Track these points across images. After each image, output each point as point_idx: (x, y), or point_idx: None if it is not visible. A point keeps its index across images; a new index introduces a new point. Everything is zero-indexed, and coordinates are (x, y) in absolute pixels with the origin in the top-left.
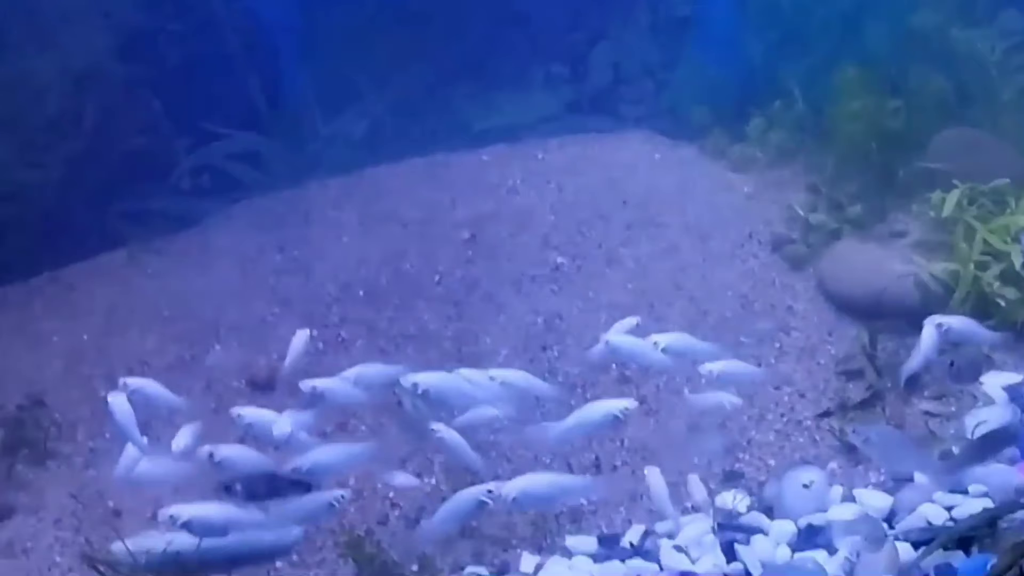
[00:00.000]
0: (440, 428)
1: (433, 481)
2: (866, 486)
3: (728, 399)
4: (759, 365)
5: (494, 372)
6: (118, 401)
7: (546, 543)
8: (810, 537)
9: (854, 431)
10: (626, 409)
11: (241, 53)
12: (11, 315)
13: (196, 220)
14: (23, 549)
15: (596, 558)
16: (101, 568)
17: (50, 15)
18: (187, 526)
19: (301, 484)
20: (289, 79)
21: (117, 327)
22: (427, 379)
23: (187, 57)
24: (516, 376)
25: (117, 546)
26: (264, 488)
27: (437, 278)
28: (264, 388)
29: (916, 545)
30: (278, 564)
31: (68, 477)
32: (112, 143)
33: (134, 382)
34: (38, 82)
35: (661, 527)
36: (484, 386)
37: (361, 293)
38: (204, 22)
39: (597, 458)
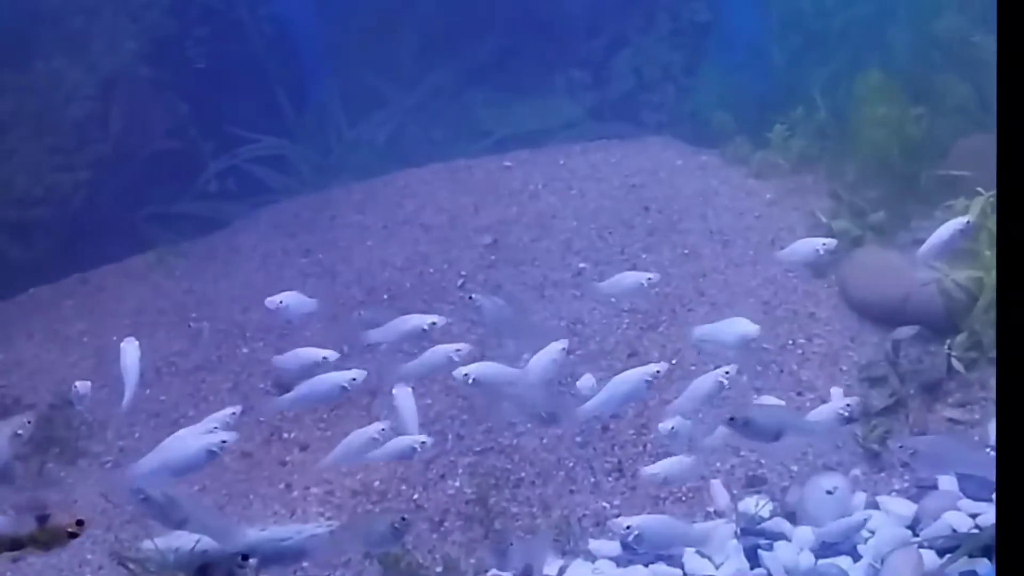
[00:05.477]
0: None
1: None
2: (889, 493)
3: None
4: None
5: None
6: (130, 348)
7: (569, 546)
8: (833, 543)
9: (900, 446)
10: (657, 373)
11: (267, 59)
12: (42, 315)
13: (223, 223)
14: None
15: (619, 562)
16: (131, 566)
17: (79, 20)
18: None
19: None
20: (314, 85)
21: (145, 328)
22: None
23: (214, 62)
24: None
25: (147, 544)
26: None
27: (460, 282)
28: (290, 390)
29: (941, 552)
30: (304, 564)
31: (98, 475)
32: (140, 147)
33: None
34: (67, 86)
35: None
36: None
37: (385, 296)
38: (230, 28)
39: (620, 462)
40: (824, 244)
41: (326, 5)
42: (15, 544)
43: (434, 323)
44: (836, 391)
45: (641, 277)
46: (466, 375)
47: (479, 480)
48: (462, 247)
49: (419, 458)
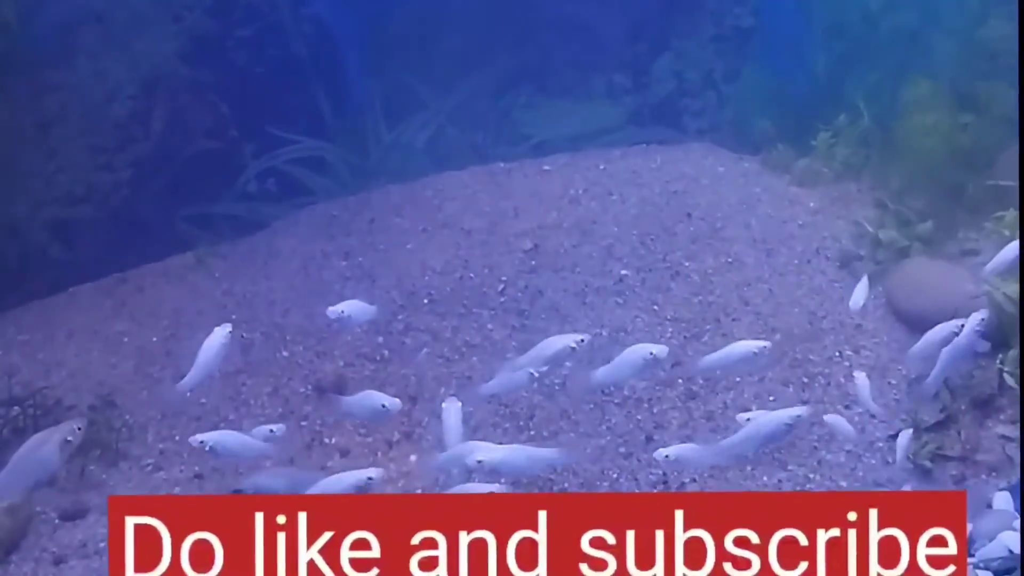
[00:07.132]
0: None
1: None
2: None
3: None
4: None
5: None
6: (220, 332)
7: None
8: None
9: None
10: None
11: (307, 60)
12: (82, 314)
13: (263, 224)
14: (95, 550)
15: None
16: None
17: (121, 20)
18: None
19: None
20: (354, 87)
21: (185, 329)
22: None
23: (255, 63)
24: None
25: None
26: None
27: (501, 287)
28: (329, 393)
29: (997, 573)
30: None
31: (139, 478)
32: (181, 147)
33: None
34: (109, 86)
35: None
36: None
37: (425, 301)
38: (271, 29)
39: (664, 474)
40: None
41: (367, 8)
42: None
43: (582, 340)
44: (860, 375)
45: (753, 346)
46: (202, 442)
47: (522, 490)
48: (502, 252)
49: None
